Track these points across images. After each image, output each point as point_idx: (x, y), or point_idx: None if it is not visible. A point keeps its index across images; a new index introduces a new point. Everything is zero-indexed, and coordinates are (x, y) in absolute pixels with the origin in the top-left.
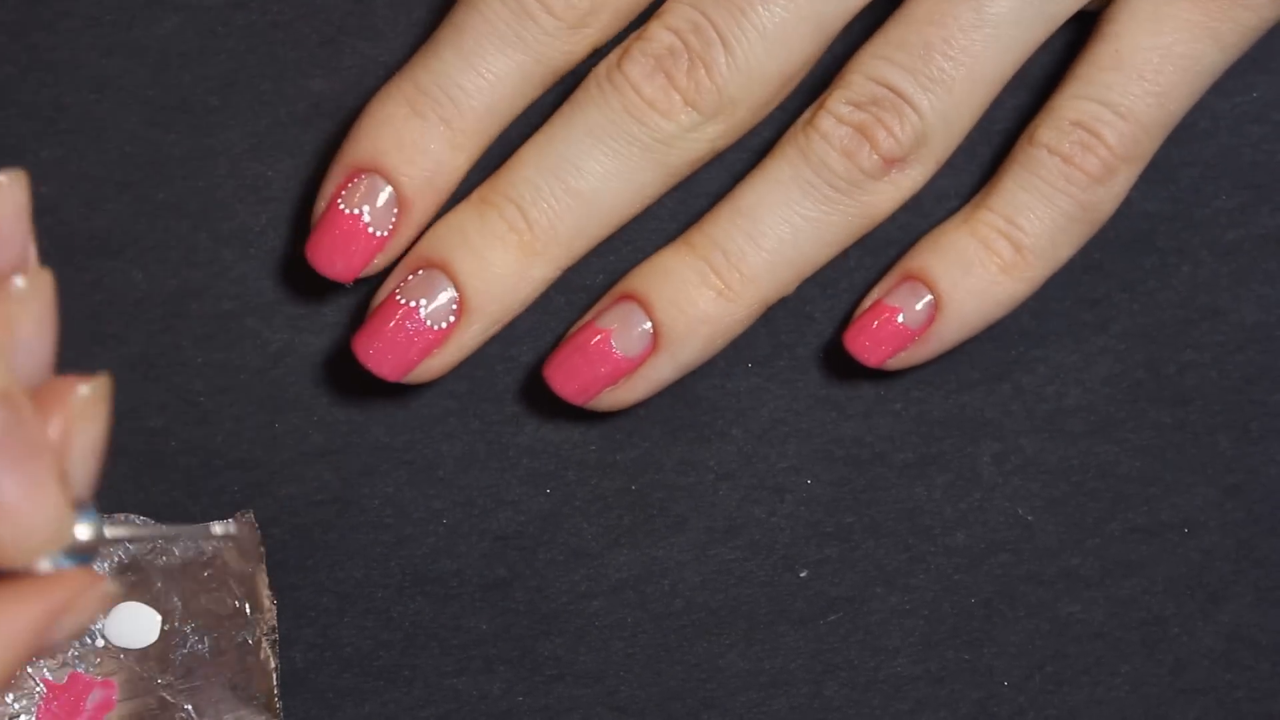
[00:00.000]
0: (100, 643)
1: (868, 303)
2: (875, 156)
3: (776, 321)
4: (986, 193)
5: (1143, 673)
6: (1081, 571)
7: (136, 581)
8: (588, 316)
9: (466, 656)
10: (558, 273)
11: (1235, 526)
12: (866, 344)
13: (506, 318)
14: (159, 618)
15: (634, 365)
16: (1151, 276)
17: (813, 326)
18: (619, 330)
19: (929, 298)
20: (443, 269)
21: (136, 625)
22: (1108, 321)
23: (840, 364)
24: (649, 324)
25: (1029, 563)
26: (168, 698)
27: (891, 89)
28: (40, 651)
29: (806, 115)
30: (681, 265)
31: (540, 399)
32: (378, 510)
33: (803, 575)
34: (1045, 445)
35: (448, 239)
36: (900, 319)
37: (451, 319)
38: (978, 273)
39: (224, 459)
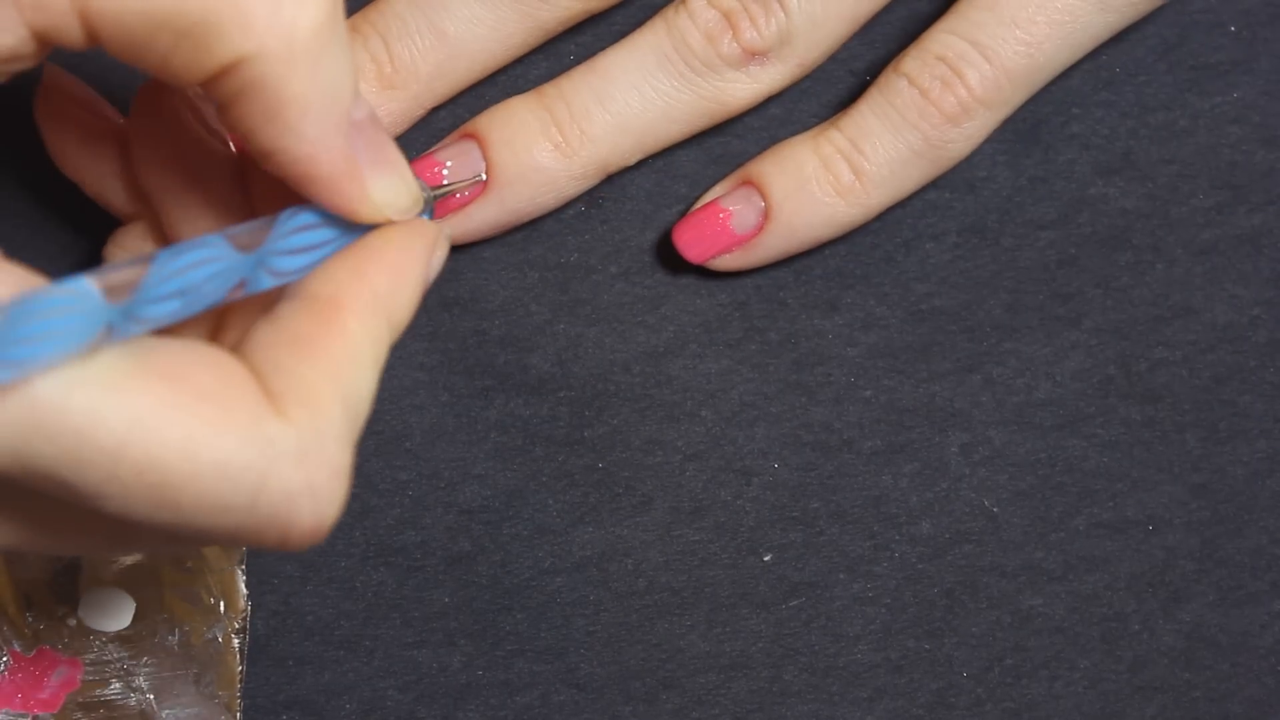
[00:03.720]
0: (73, 621)
1: (705, 199)
2: (736, 45)
3: (749, 305)
4: (841, 114)
5: (1102, 669)
6: (1045, 565)
7: (115, 564)
8: (431, 149)
9: (428, 629)
10: (418, 109)
11: (1200, 526)
12: (694, 240)
13: None
14: (134, 604)
15: (462, 203)
16: (1126, 273)
17: (785, 311)
18: (454, 167)
19: (762, 205)
20: None
21: (111, 609)
22: (1080, 316)
23: (812, 349)
24: (484, 164)
25: (992, 554)
26: (131, 684)
27: None
28: (427, 281)
29: None
30: (526, 112)
31: (510, 374)
32: None
33: (766, 559)
34: (1013, 438)
35: None
36: (731, 222)
37: None
38: (811, 190)
39: None
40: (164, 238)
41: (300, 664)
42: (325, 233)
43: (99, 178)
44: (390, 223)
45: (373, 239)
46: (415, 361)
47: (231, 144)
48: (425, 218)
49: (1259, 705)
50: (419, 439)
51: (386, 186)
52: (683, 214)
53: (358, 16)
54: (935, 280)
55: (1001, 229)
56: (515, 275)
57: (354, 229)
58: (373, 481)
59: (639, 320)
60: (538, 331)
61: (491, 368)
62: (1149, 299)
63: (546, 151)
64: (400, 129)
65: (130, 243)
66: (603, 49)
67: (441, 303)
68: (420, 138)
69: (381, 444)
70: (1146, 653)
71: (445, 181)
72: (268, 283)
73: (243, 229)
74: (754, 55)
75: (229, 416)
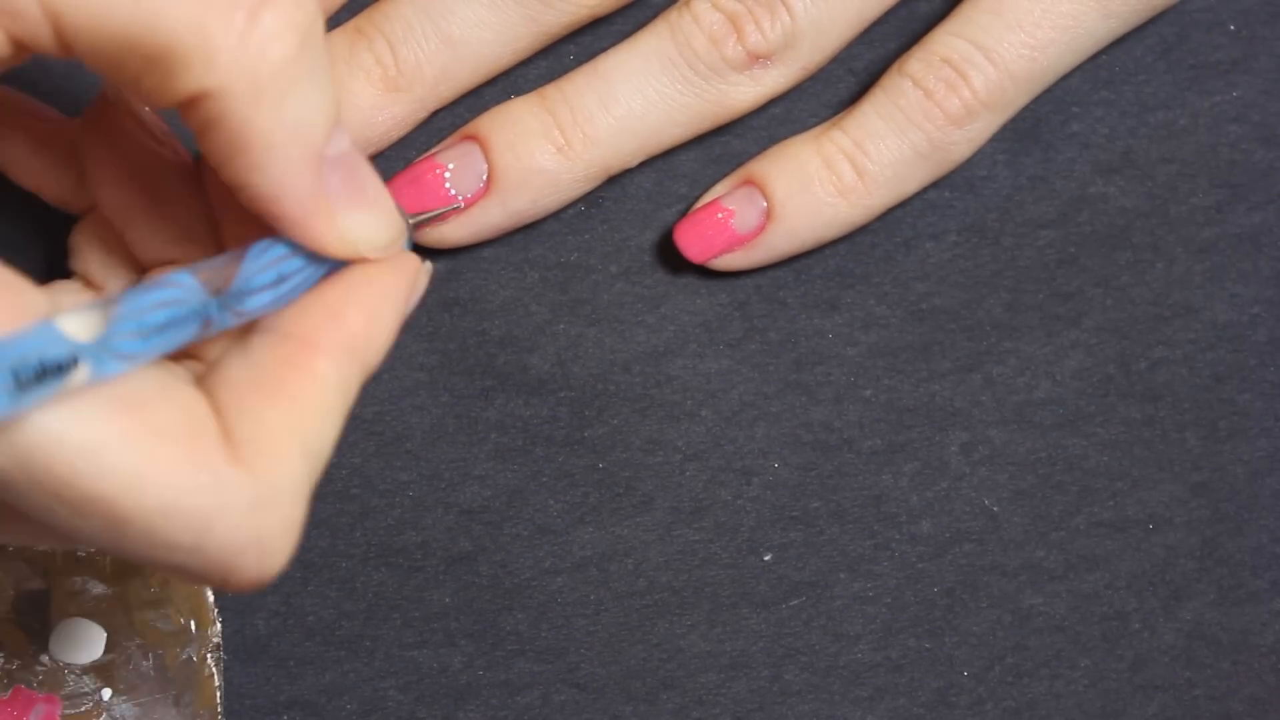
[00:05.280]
0: (45, 657)
1: (707, 199)
2: (740, 48)
3: (749, 305)
4: (844, 114)
5: (1102, 667)
6: (1045, 564)
7: (82, 596)
8: (432, 150)
9: (428, 629)
10: (422, 112)
11: (1200, 524)
12: (695, 240)
13: (365, 149)
14: (104, 633)
15: (467, 206)
16: (1126, 272)
17: (785, 311)
18: (456, 169)
19: (764, 205)
20: None
21: (82, 641)
22: (1080, 315)
23: (812, 349)
24: (486, 166)
25: (993, 554)
26: (112, 714)
27: None
28: (403, 318)
29: None
30: (528, 114)
31: (510, 374)
32: (344, 480)
33: (767, 559)
34: (1013, 437)
35: None
36: (732, 221)
37: None
38: (814, 190)
39: None
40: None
41: (301, 664)
42: (296, 263)
43: (56, 183)
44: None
45: (350, 275)
46: (415, 362)
47: (181, 152)
48: (405, 247)
49: (1259, 703)
50: (419, 439)
51: (363, 224)
52: (683, 213)
53: (361, 17)
54: (935, 279)
55: (1001, 228)
56: (515, 275)
57: (330, 261)
58: (373, 482)
59: (639, 320)
60: (538, 331)
61: (492, 368)
62: (1149, 298)
63: (549, 154)
64: (403, 131)
65: (98, 230)
66: (603, 49)
67: (441, 303)
68: (420, 138)
69: (382, 445)
70: (1147, 651)
71: (449, 189)
72: (233, 322)
73: (212, 264)
74: (758, 58)
75: (183, 458)
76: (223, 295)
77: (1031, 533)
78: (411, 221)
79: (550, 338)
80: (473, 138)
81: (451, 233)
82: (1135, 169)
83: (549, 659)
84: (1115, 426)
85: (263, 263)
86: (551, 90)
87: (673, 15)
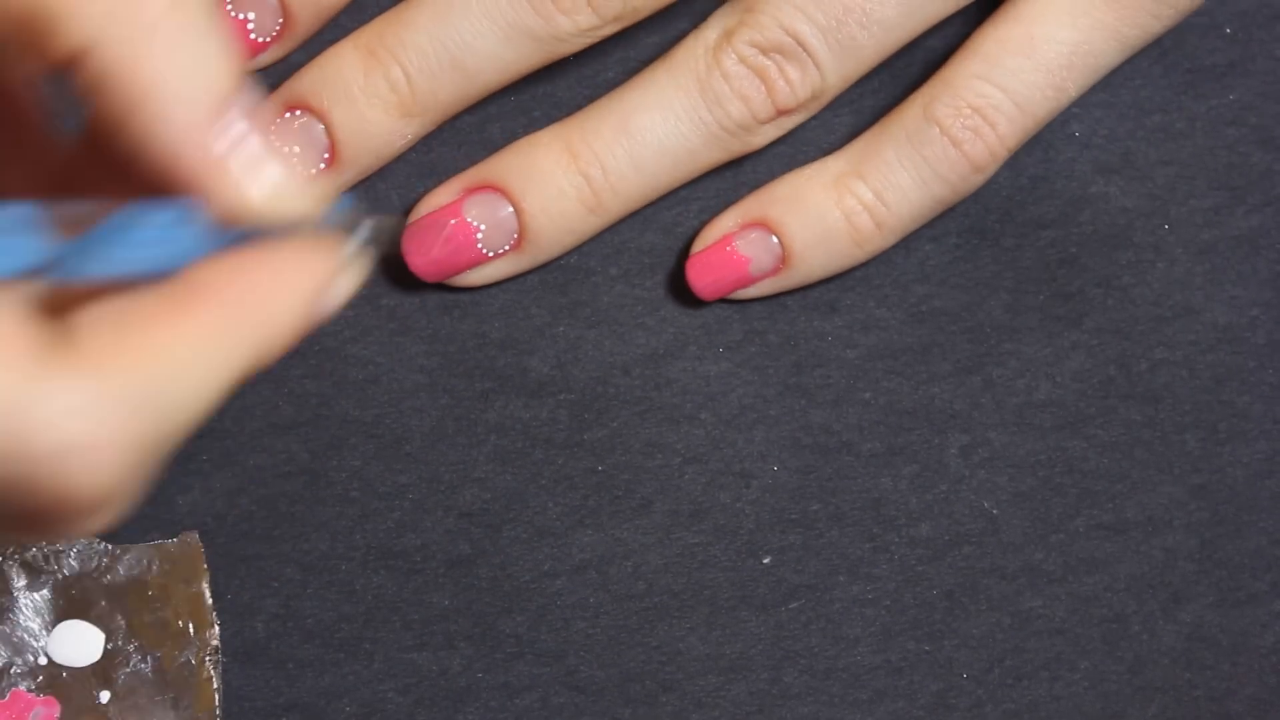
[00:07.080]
0: (43, 660)
1: (717, 233)
2: (770, 105)
3: (749, 308)
4: (864, 155)
5: (1102, 670)
6: (1044, 567)
7: (80, 599)
8: (453, 194)
9: (428, 632)
10: (431, 128)
11: (1200, 526)
12: (709, 282)
13: (376, 167)
14: (102, 636)
15: (493, 259)
16: (1126, 273)
17: (784, 314)
18: (487, 229)
19: (778, 250)
20: (321, 119)
21: (80, 643)
22: (1081, 317)
23: (811, 351)
24: (515, 222)
25: (992, 556)
26: (110, 716)
27: (800, 42)
28: (313, 321)
29: (709, 39)
30: (559, 173)
31: (510, 376)
32: (344, 483)
33: (766, 562)
34: (1013, 439)
35: (331, 88)
36: (749, 267)
37: (323, 165)
38: (832, 243)
39: None
40: None
41: (300, 667)
42: (162, 235)
43: None
44: (294, 235)
45: (269, 252)
46: (415, 364)
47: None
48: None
49: (1260, 705)
50: (419, 442)
51: (266, 186)
52: (682, 215)
53: (372, 37)
54: (935, 281)
55: (1002, 229)
56: (515, 278)
57: (210, 243)
58: (373, 485)
59: (638, 323)
60: (537, 334)
61: (491, 370)
62: (1149, 299)
63: (582, 215)
64: (410, 145)
65: None
66: (602, 49)
67: (441, 305)
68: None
69: (381, 447)
70: (1147, 653)
71: (482, 249)
72: (74, 273)
73: (74, 208)
74: (786, 112)
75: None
76: (70, 242)
77: (1031, 535)
78: (401, 221)
79: (550, 340)
80: (499, 190)
81: (475, 279)
82: (1135, 169)
83: (548, 661)
84: (1115, 428)
85: (128, 224)
86: (580, 144)
87: (700, 69)
